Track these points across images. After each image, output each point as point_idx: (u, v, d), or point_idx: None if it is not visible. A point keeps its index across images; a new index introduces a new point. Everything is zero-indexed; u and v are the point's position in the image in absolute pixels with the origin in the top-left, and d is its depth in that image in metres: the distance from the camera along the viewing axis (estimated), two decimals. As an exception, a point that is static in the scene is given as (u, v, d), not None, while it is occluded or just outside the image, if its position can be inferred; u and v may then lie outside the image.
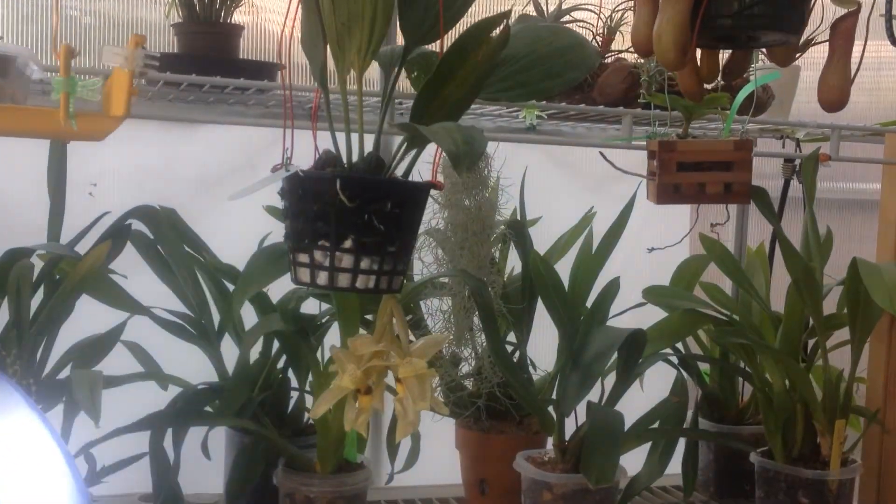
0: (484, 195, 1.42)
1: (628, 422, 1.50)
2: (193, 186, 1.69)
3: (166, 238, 1.45)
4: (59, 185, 1.38)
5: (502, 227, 1.49)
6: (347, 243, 1.03)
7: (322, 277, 1.04)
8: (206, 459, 1.44)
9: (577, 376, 1.38)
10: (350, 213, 1.02)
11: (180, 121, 1.61)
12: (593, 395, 1.45)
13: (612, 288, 1.50)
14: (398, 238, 1.05)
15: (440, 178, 1.27)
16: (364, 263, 1.03)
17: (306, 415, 1.52)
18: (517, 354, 1.60)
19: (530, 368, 1.59)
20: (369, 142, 1.08)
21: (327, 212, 1.02)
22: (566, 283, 1.51)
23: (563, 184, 2.00)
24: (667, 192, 1.37)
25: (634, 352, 1.43)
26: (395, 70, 1.14)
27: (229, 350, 1.46)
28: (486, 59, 0.97)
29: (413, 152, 1.13)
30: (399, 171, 1.10)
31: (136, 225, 1.46)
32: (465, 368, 1.56)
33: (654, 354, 1.55)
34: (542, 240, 1.69)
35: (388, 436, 1.50)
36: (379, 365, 1.10)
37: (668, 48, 1.04)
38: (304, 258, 1.04)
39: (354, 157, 1.08)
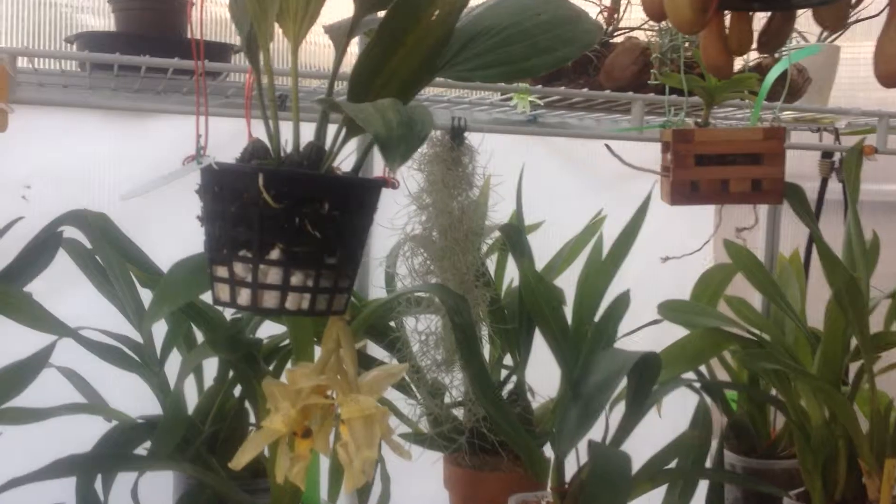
0: (469, 196, 1.21)
1: (643, 456, 1.28)
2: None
3: (103, 247, 1.25)
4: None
5: (495, 233, 1.27)
6: (274, 254, 0.82)
7: (244, 296, 0.83)
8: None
9: (576, 409, 1.16)
10: (277, 217, 0.81)
11: (126, 111, 1.41)
12: (600, 428, 1.24)
13: (621, 304, 1.28)
14: (339, 247, 0.84)
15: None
16: (295, 279, 0.83)
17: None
18: (513, 380, 1.39)
19: (529, 396, 1.38)
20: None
21: (249, 214, 0.81)
22: (571, 297, 1.31)
23: (569, 183, 1.79)
24: (682, 191, 1.16)
25: (646, 379, 1.21)
26: (345, 41, 0.93)
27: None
28: (441, 20, 0.76)
29: (366, 142, 0.92)
30: (349, 166, 0.90)
31: (73, 232, 1.28)
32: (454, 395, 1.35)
33: (673, 380, 1.33)
34: (544, 248, 1.48)
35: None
36: (319, 402, 0.89)
37: (684, 4, 0.83)
38: (222, 272, 0.84)
39: (290, 148, 0.87)
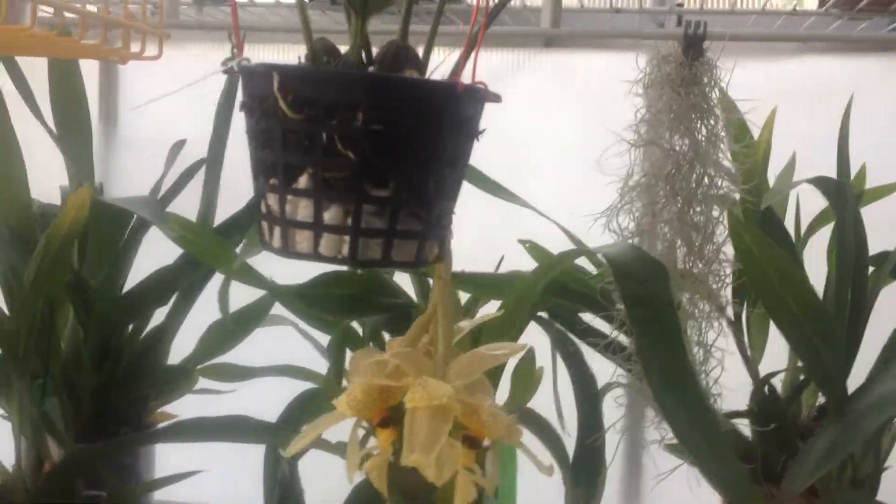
0: (706, 131, 0.90)
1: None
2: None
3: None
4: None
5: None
6: (302, 181, 0.63)
7: (276, 236, 0.65)
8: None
9: (831, 434, 0.81)
10: (299, 132, 0.62)
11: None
12: None
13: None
14: (392, 175, 0.62)
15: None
16: (329, 215, 0.63)
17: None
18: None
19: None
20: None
21: (271, 129, 0.63)
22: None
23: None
24: None
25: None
26: None
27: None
28: None
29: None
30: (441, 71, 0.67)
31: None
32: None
33: None
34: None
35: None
36: (394, 385, 0.68)
37: None
38: (262, 207, 0.67)
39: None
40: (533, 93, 1.37)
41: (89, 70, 1.22)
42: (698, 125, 0.88)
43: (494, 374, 0.88)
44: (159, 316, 1.20)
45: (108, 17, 0.82)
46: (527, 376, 1.15)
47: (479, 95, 0.65)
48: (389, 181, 0.62)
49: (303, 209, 0.63)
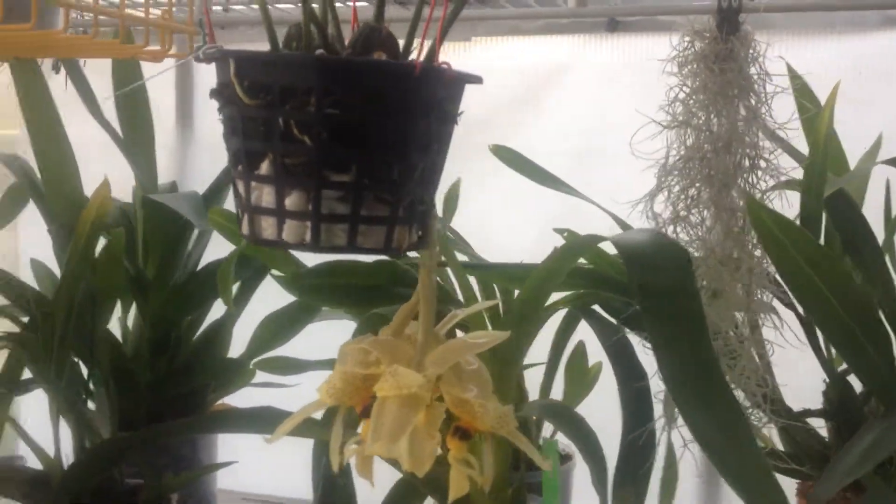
0: (745, 108, 0.84)
1: None
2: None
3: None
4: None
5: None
6: (263, 167, 0.62)
7: (244, 223, 0.65)
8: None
9: (874, 431, 0.74)
10: (256, 118, 0.61)
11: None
12: None
13: None
14: (353, 160, 0.61)
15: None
16: (291, 201, 0.62)
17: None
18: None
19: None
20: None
21: (233, 115, 0.63)
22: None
23: None
24: None
25: None
26: None
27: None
28: None
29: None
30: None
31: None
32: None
33: None
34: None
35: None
36: (373, 374, 0.67)
37: None
38: (234, 194, 0.66)
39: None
40: (597, 78, 1.33)
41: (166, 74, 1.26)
42: (736, 103, 0.83)
43: (509, 372, 0.85)
44: (220, 309, 1.22)
45: (147, 18, 0.84)
46: (579, 373, 1.11)
47: (444, 77, 0.62)
48: (350, 166, 0.61)
49: (266, 195, 0.62)
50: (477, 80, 0.66)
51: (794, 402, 1.01)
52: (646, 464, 0.91)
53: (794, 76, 1.00)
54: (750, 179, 0.81)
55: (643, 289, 0.68)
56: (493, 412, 0.68)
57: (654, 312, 0.71)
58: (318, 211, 0.61)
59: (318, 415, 0.80)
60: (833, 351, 1.04)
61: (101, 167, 1.28)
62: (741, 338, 0.83)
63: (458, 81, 0.64)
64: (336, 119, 0.59)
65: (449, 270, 0.99)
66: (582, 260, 1.00)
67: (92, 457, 0.91)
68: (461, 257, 1.08)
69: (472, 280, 0.93)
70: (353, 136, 0.60)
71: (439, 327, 0.72)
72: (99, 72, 1.20)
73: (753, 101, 0.85)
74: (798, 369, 0.98)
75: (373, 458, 0.69)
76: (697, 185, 0.85)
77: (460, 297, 0.96)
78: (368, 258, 0.86)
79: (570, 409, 0.93)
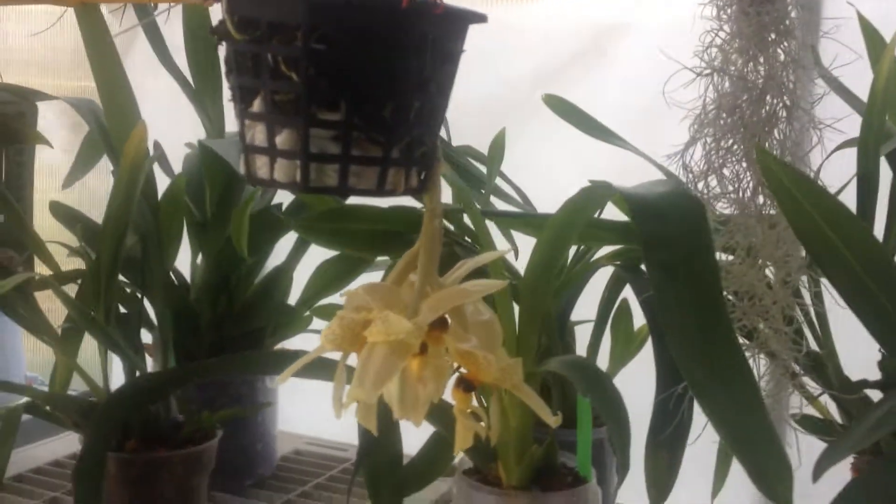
0: (784, 54, 0.79)
1: None
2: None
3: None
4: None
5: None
6: (256, 104, 0.62)
7: (241, 162, 0.65)
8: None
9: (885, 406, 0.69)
10: (246, 54, 0.61)
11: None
12: None
13: None
14: (342, 96, 0.60)
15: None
16: (281, 139, 0.61)
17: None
18: None
19: None
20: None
21: (228, 51, 0.63)
22: None
23: None
24: None
25: None
26: None
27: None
28: None
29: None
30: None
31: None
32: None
33: None
34: None
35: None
36: (357, 318, 0.66)
37: None
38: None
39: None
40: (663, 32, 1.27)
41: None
42: (772, 50, 0.77)
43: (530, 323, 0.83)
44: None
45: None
46: (624, 333, 1.08)
47: (433, 13, 0.60)
48: (339, 104, 0.60)
49: (258, 134, 0.62)
50: (479, 18, 0.64)
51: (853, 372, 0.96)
52: (681, 427, 0.87)
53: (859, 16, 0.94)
54: (786, 131, 0.76)
55: (651, 240, 0.65)
56: (498, 364, 0.66)
57: (659, 268, 0.67)
58: (306, 149, 0.60)
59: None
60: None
61: (177, 115, 1.32)
62: (775, 298, 0.78)
63: (453, 18, 0.62)
64: (323, 55, 0.59)
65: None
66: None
67: (135, 388, 0.94)
68: (507, 207, 1.06)
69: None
70: (340, 72, 0.59)
71: (448, 276, 0.71)
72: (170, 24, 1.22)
73: (793, 46, 0.80)
74: (856, 338, 0.93)
75: (375, 406, 0.69)
76: (729, 137, 0.81)
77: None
78: (385, 202, 0.84)
79: (592, 364, 0.90)
